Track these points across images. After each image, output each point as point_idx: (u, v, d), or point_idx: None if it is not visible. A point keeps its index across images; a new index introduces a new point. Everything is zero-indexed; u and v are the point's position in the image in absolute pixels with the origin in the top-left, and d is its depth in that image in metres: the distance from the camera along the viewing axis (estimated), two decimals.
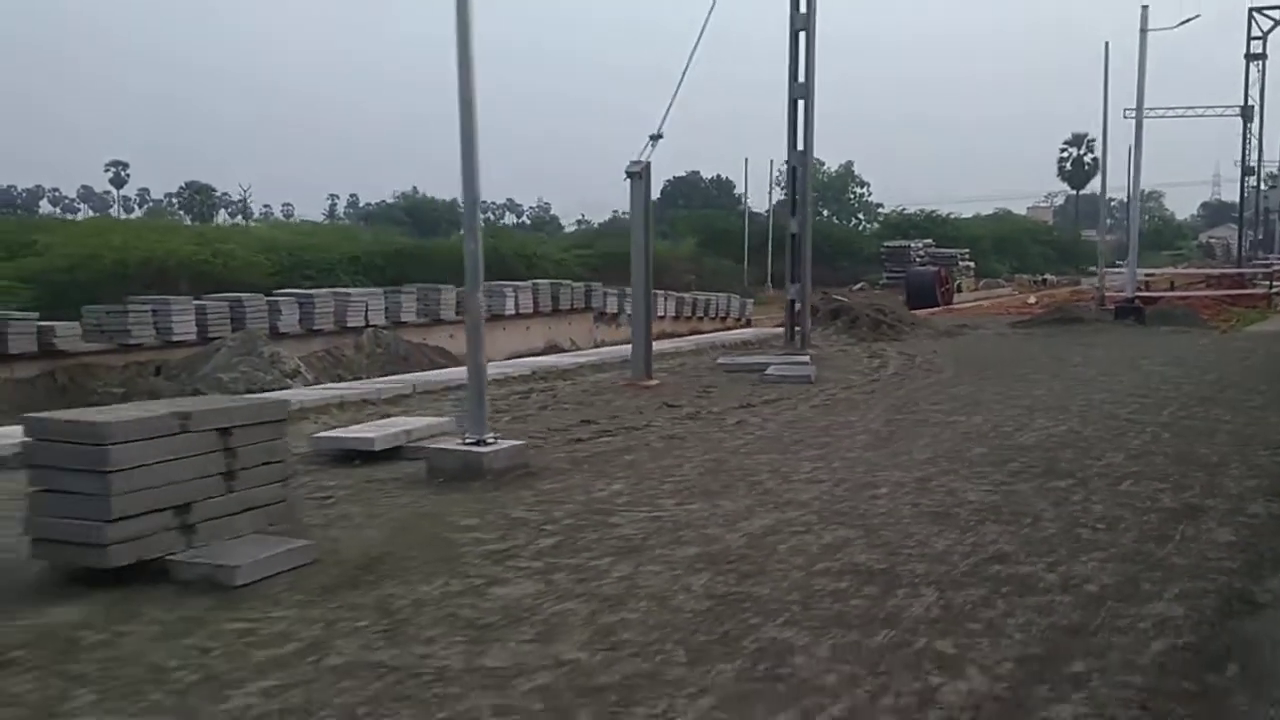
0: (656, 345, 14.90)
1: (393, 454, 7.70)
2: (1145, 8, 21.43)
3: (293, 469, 5.73)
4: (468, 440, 7.07)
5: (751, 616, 4.47)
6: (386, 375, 16.66)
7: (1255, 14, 40.20)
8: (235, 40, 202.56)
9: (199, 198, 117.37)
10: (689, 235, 52.93)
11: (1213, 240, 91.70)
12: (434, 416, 8.75)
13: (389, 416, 9.52)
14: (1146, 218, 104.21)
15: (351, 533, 5.71)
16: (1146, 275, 27.56)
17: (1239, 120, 41.77)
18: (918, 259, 43.28)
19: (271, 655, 4.06)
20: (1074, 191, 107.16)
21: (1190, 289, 30.73)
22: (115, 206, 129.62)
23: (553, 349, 25.13)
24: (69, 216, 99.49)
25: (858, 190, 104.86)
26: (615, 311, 31.54)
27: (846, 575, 5.01)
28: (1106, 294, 23.33)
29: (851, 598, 4.70)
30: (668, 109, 11.47)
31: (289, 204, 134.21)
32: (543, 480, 7.01)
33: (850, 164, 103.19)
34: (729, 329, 28.40)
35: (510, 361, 15.48)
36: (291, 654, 4.07)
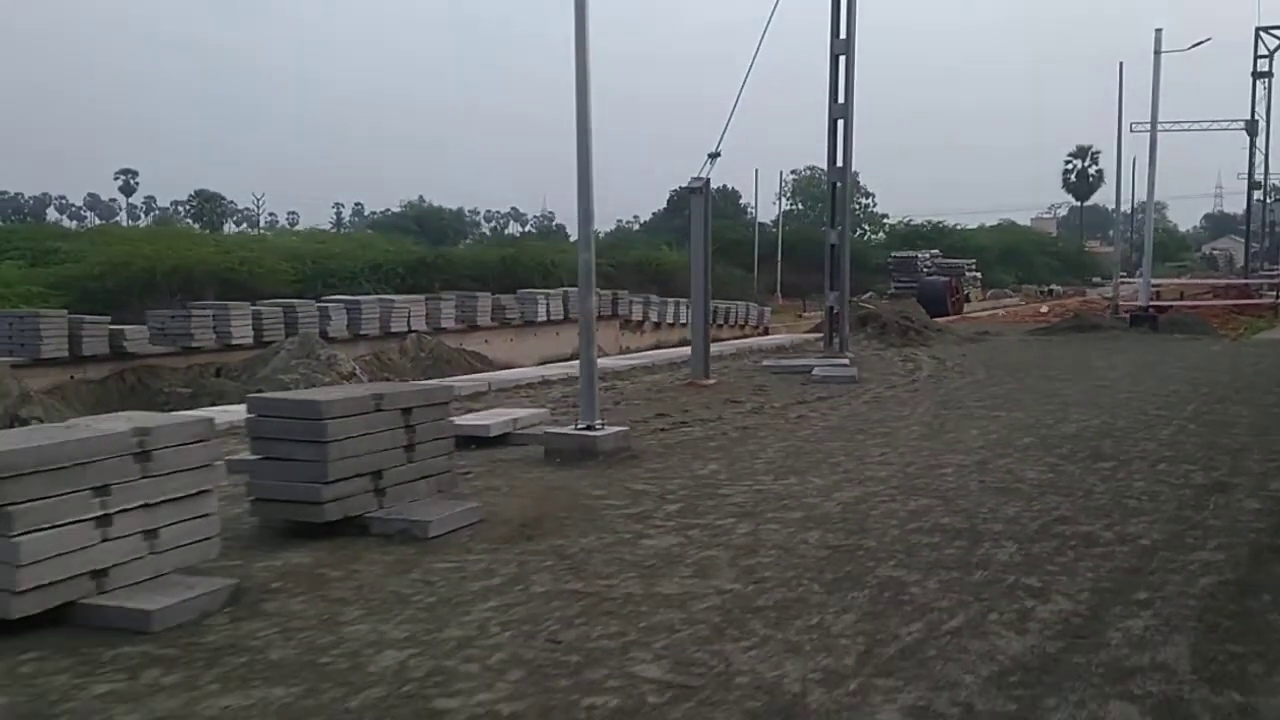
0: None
1: (503, 439, 8.64)
2: (1159, 31, 22.48)
3: (453, 445, 6.65)
4: (580, 425, 8.01)
5: (866, 560, 5.41)
6: (429, 379, 17.59)
7: (1261, 33, 41.27)
8: (240, 51, 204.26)
9: (209, 206, 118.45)
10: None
11: (1215, 252, 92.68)
12: (532, 408, 9.70)
13: (472, 411, 10.45)
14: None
15: (502, 499, 6.65)
16: (1156, 285, 28.46)
17: (1241, 134, 42.84)
18: (925, 269, 44.06)
19: (484, 585, 5.00)
20: (1079, 203, 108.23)
21: (1198, 299, 31.67)
22: (122, 214, 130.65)
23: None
24: (74, 224, 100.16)
25: (862, 201, 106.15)
26: (640, 319, 32.53)
27: (936, 533, 5.94)
28: (1120, 303, 24.27)
29: (945, 548, 5.63)
30: (724, 129, 12.40)
31: (294, 212, 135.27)
32: (647, 461, 7.95)
33: (855, 175, 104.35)
34: (747, 336, 29.27)
35: (571, 363, 16.38)
36: (501, 585, 5.01)
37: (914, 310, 21.21)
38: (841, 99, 14.85)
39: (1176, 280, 39.57)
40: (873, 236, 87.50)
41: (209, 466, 4.99)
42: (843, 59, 14.77)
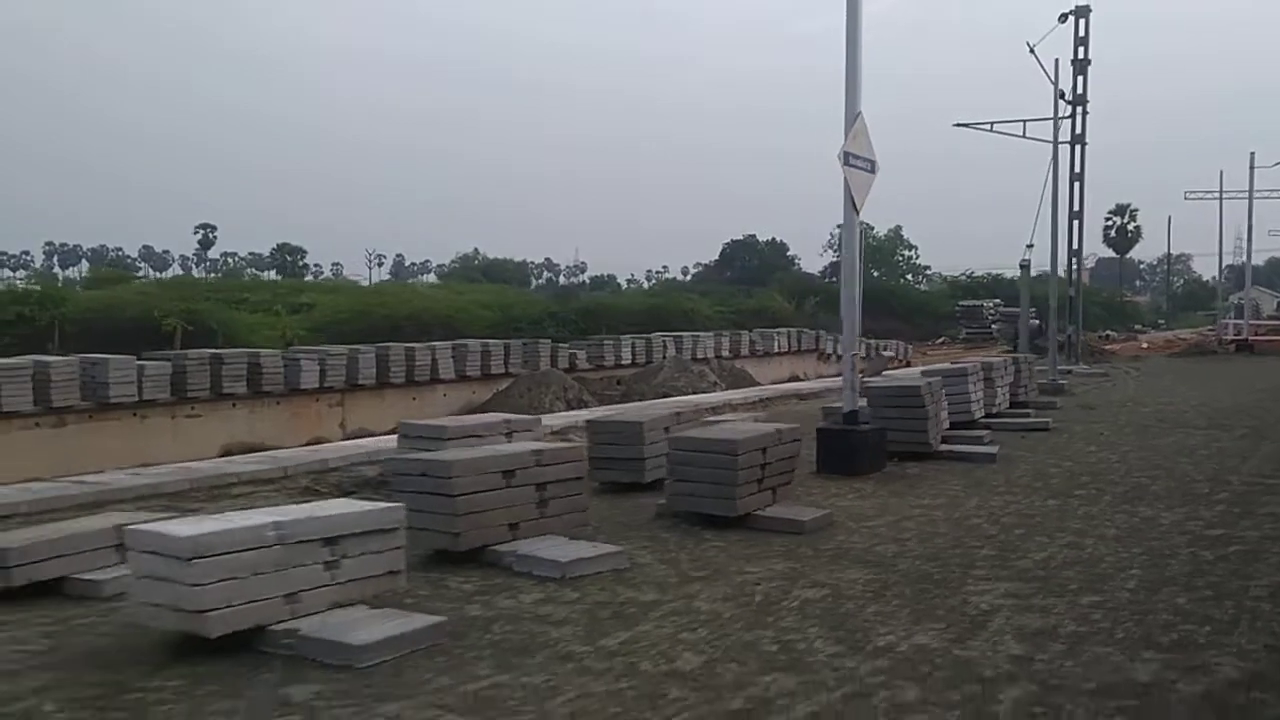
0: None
1: None
2: (1253, 154, 32.47)
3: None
4: (1051, 378, 17.48)
5: (1235, 417, 14.67)
6: (732, 389, 26.97)
7: None
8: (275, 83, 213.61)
9: (290, 260, 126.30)
10: (794, 295, 62.20)
11: (1242, 301, 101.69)
12: None
13: None
14: (1179, 280, 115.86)
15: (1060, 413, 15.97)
16: (1238, 324, 38.04)
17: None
18: (989, 317, 53.42)
19: (1102, 419, 14.40)
20: (1118, 256, 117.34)
21: (1267, 335, 41.28)
22: (174, 266, 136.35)
23: (794, 379, 35.34)
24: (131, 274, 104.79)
25: (906, 253, 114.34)
26: (830, 352, 41.75)
27: (1250, 412, 15.24)
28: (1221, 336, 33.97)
29: (1260, 413, 14.91)
30: (1035, 226, 21.61)
31: (338, 263, 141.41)
32: (1084, 393, 17.32)
33: (899, 228, 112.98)
34: (900, 366, 38.02)
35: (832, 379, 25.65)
36: (1111, 417, 14.39)
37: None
38: (1076, 208, 24.42)
39: (1250, 321, 49.33)
40: (915, 286, 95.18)
41: None
42: (1078, 183, 24.36)
